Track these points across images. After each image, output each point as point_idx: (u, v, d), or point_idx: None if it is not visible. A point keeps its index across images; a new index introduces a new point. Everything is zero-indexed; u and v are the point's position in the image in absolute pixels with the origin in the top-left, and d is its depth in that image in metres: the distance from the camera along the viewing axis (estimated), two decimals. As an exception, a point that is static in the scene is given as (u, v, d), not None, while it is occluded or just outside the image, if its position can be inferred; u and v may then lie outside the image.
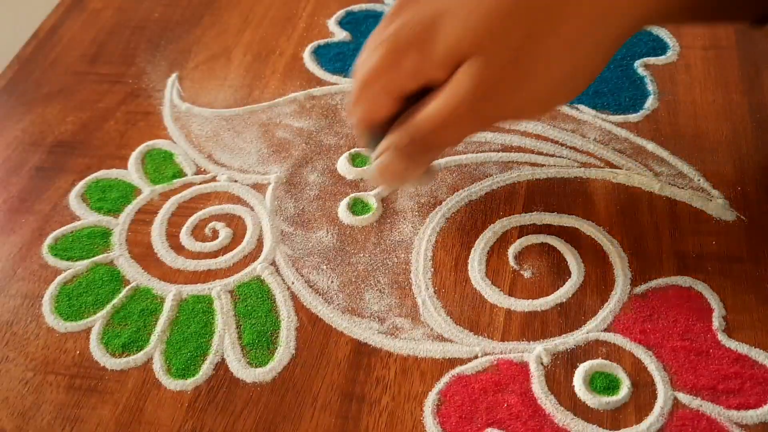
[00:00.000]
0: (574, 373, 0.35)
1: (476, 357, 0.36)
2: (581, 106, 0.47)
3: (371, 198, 0.43)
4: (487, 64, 0.31)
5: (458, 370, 0.36)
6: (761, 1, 0.34)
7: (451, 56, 0.31)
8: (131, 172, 0.46)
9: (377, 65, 0.33)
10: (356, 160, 0.45)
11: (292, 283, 0.40)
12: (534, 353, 0.36)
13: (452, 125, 0.33)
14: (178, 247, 0.42)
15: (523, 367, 0.36)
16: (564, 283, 0.39)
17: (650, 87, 0.48)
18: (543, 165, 0.44)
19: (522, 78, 0.31)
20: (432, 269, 0.40)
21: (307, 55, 0.52)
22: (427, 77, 0.33)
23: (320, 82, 0.50)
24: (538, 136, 0.45)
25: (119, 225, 0.43)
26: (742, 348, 0.35)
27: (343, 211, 0.43)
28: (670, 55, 0.49)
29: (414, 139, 0.34)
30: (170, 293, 0.40)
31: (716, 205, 0.41)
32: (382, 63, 0.33)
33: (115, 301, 0.40)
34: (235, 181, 0.45)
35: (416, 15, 0.32)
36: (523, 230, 0.41)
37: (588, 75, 0.33)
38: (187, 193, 0.45)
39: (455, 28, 0.31)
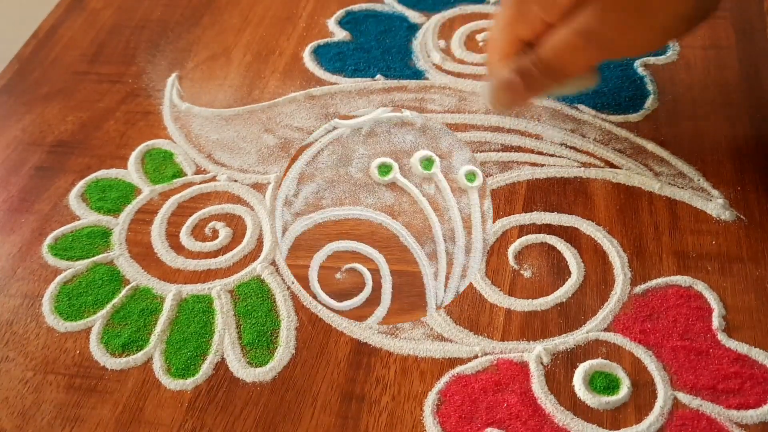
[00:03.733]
0: (573, 372, 0.35)
1: (476, 357, 0.36)
2: (581, 106, 0.47)
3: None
4: (605, 9, 0.36)
5: (458, 369, 0.36)
6: None
7: (573, 5, 0.37)
8: (131, 172, 0.46)
9: (506, 17, 0.40)
10: (356, 160, 0.45)
11: (292, 282, 0.40)
12: (534, 353, 0.36)
13: (573, 54, 0.38)
14: (178, 247, 0.42)
15: (523, 366, 0.36)
16: (564, 283, 0.39)
17: (650, 87, 0.48)
18: (543, 165, 0.44)
19: (635, 21, 0.37)
20: (432, 269, 0.40)
21: (307, 55, 0.52)
22: (546, 25, 0.39)
23: (320, 82, 0.50)
24: (538, 136, 0.45)
25: (119, 225, 0.43)
26: (742, 348, 0.36)
27: (343, 211, 0.43)
28: (670, 55, 0.49)
29: (536, 64, 0.40)
30: (170, 293, 0.40)
31: (716, 205, 0.41)
32: (510, 15, 0.40)
33: (115, 300, 0.40)
34: (235, 180, 0.45)
35: None
36: (523, 230, 0.41)
37: (690, 17, 0.38)
38: (187, 193, 0.45)
39: None
